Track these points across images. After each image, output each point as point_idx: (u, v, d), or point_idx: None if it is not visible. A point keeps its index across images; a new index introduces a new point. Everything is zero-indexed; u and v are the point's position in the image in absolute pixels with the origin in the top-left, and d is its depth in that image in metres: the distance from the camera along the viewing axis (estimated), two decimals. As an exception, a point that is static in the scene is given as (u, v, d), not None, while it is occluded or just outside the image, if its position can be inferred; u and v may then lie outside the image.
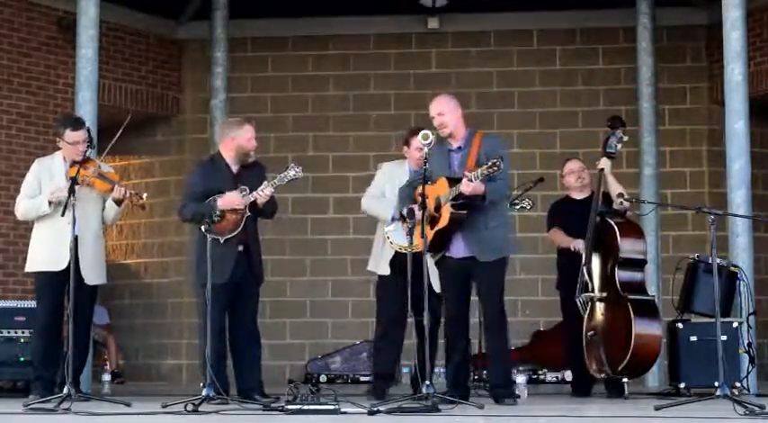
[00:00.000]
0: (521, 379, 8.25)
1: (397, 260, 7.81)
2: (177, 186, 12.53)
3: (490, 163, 6.75)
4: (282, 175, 7.47)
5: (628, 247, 8.09)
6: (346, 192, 11.78)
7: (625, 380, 7.95)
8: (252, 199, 7.42)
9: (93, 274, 7.69)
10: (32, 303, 8.24)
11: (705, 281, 8.24)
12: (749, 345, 8.33)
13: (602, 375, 8.11)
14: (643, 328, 7.91)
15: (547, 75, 12.31)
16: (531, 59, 12.34)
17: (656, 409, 6.34)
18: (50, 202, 7.64)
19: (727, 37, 8.95)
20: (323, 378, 11.38)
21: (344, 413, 6.17)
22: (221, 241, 7.33)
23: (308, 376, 11.44)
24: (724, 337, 7.24)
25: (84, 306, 7.53)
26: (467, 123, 7.33)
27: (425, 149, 6.93)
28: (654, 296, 8.46)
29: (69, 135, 7.71)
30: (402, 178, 7.64)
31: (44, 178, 7.80)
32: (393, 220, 7.80)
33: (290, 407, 6.31)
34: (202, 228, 7.17)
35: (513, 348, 10.90)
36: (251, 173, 7.58)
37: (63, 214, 7.26)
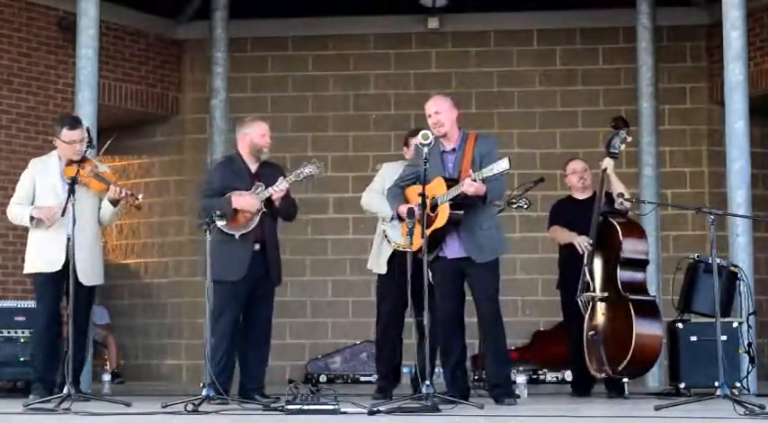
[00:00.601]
0: (521, 379, 8.25)
1: (395, 259, 7.82)
2: (177, 186, 12.54)
3: (500, 167, 6.74)
4: (299, 171, 7.43)
5: (630, 247, 8.09)
6: (346, 192, 11.77)
7: (625, 380, 7.95)
8: (267, 194, 7.37)
9: (90, 274, 7.66)
10: (32, 303, 8.22)
11: (705, 281, 8.25)
12: (749, 345, 8.33)
13: (603, 375, 8.11)
14: (644, 329, 7.91)
15: (547, 75, 12.30)
16: (531, 59, 12.34)
17: (656, 409, 6.34)
18: (32, 219, 7.63)
19: (727, 37, 8.95)
20: (323, 378, 11.39)
21: (344, 413, 6.17)
22: (236, 237, 7.32)
23: (307, 376, 11.45)
24: (724, 337, 7.24)
25: (82, 306, 7.48)
26: (460, 125, 7.34)
27: (425, 149, 6.92)
28: (655, 296, 8.46)
29: (66, 134, 7.67)
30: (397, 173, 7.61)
31: (39, 179, 7.76)
32: (393, 218, 7.80)
33: (290, 407, 6.31)
34: (204, 227, 7.16)
35: (513, 348, 10.96)
36: (269, 173, 7.53)
37: (63, 214, 7.24)
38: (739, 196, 8.80)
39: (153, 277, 12.65)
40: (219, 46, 11.99)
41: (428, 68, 12.45)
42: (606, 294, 8.10)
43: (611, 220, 8.16)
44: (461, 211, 7.03)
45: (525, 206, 8.64)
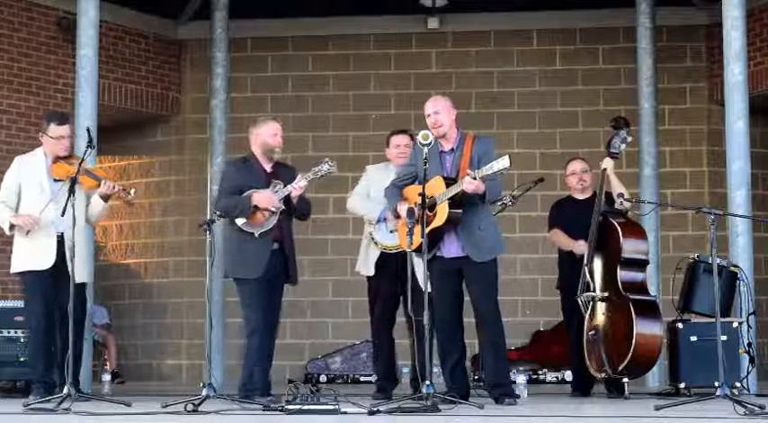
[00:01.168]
0: (521, 379, 8.24)
1: (383, 261, 7.85)
2: (177, 186, 12.54)
3: (500, 165, 6.74)
4: (317, 168, 7.40)
5: (630, 248, 8.08)
6: (346, 192, 11.71)
7: (625, 380, 7.95)
8: (286, 192, 7.34)
9: (79, 271, 7.45)
10: None
11: (705, 281, 8.24)
12: (749, 345, 8.32)
13: (603, 375, 8.11)
14: (644, 329, 7.90)
15: (547, 75, 12.31)
16: (531, 59, 12.34)
17: (656, 409, 6.34)
18: (12, 227, 7.56)
19: (727, 37, 8.95)
20: (323, 378, 11.39)
21: (344, 413, 6.17)
22: (256, 235, 7.30)
23: (307, 376, 11.45)
24: (724, 337, 7.24)
25: (76, 304, 7.33)
26: (458, 126, 7.34)
27: (425, 150, 6.92)
28: (655, 296, 8.46)
29: (53, 129, 7.60)
30: (387, 181, 7.62)
31: (25, 178, 7.66)
32: (379, 220, 7.82)
33: (290, 407, 6.31)
34: (204, 227, 7.16)
35: (513, 348, 10.97)
36: (283, 172, 7.51)
37: (63, 214, 7.17)
38: (739, 196, 8.80)
39: (153, 277, 12.65)
40: (219, 46, 11.99)
41: (428, 68, 12.45)
42: (606, 294, 8.09)
43: (612, 220, 8.16)
44: (460, 210, 7.03)
45: (510, 203, 8.59)
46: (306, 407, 6.30)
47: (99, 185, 7.58)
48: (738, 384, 7.98)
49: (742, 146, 8.85)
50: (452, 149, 7.23)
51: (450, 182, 7.04)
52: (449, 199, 7.00)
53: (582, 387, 8.49)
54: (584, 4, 12.00)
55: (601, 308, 8.12)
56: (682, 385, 8.15)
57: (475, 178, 6.85)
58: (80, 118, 9.10)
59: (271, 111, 12.44)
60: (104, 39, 11.06)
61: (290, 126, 12.40)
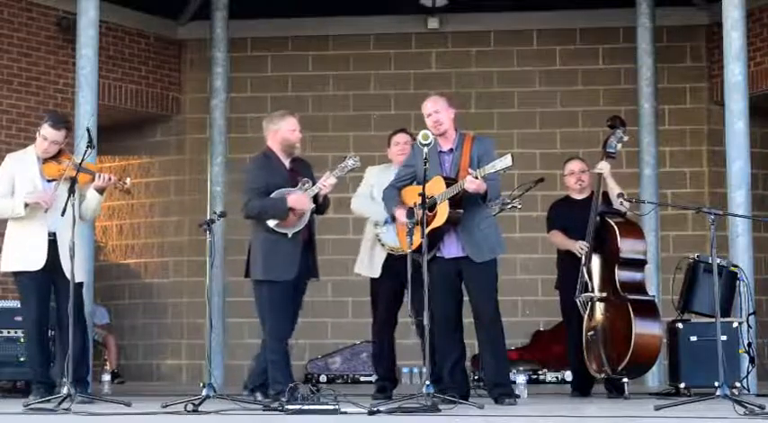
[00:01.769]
0: (521, 379, 8.24)
1: (387, 263, 7.83)
2: (177, 186, 12.54)
3: (503, 164, 6.75)
4: (342, 164, 7.35)
5: (628, 248, 8.08)
6: (346, 192, 11.74)
7: (625, 380, 7.95)
8: (315, 191, 7.28)
9: (76, 270, 7.31)
10: None
11: (705, 281, 8.25)
12: (749, 345, 8.32)
13: (602, 375, 8.12)
14: (643, 328, 7.91)
15: (547, 75, 12.31)
16: (531, 59, 12.34)
17: (656, 409, 6.34)
18: (26, 205, 7.43)
19: (727, 37, 8.95)
20: (323, 378, 11.40)
21: (344, 413, 6.17)
22: (289, 236, 7.24)
23: (307, 376, 11.45)
24: (724, 337, 7.24)
25: (72, 304, 7.26)
26: (456, 126, 7.34)
27: (425, 150, 6.91)
28: (654, 296, 8.46)
29: (45, 129, 7.50)
30: (389, 182, 7.59)
31: (18, 174, 7.56)
32: (386, 222, 7.80)
33: (290, 407, 6.31)
34: (204, 227, 7.14)
35: (513, 348, 10.97)
36: (301, 168, 7.45)
37: (63, 214, 7.12)
38: (739, 196, 8.80)
39: (153, 277, 12.65)
40: (219, 46, 12.00)
41: (428, 68, 12.46)
42: (605, 294, 8.09)
43: (609, 220, 8.16)
44: (461, 210, 7.03)
45: (519, 206, 8.60)
46: (306, 407, 6.30)
47: (93, 179, 7.50)
48: (738, 384, 7.98)
49: (742, 146, 8.85)
50: (451, 149, 7.23)
51: (450, 182, 7.03)
52: (449, 199, 7.00)
53: (582, 387, 8.49)
54: (584, 4, 12.00)
55: (600, 308, 8.12)
56: (682, 385, 8.15)
57: (477, 177, 6.85)
58: (80, 118, 9.11)
59: (271, 111, 12.40)
60: (104, 39, 11.06)
61: (289, 126, 12.43)
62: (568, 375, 9.92)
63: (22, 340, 8.66)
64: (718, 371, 6.62)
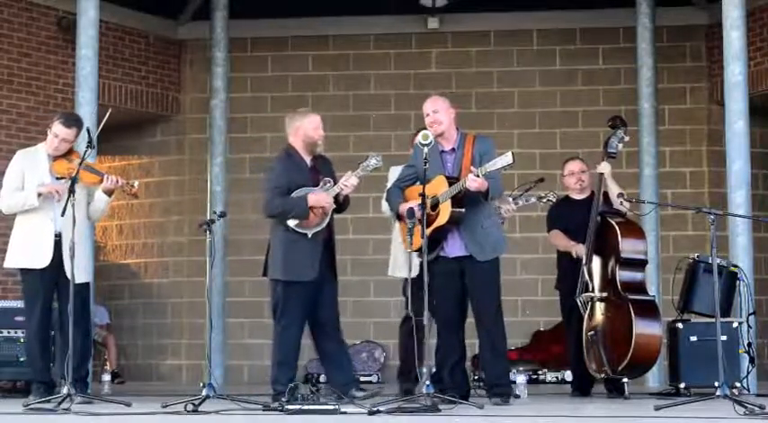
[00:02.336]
0: (521, 379, 8.23)
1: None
2: (177, 186, 12.54)
3: (504, 161, 6.75)
4: (365, 164, 7.29)
5: (629, 248, 8.08)
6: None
7: (625, 380, 7.95)
8: (337, 191, 7.23)
9: (79, 271, 7.35)
10: None
11: (705, 281, 8.25)
12: (749, 345, 8.33)
13: (602, 375, 8.12)
14: (644, 328, 7.91)
15: (547, 75, 12.30)
16: (531, 59, 12.34)
17: (656, 409, 6.34)
18: (39, 195, 7.42)
19: (727, 37, 8.95)
20: (323, 378, 11.37)
21: (344, 413, 6.17)
22: (309, 236, 7.19)
23: (307, 376, 11.44)
24: (724, 337, 7.25)
25: (76, 304, 7.24)
26: (458, 126, 7.34)
27: (425, 149, 6.93)
28: (654, 296, 8.46)
29: (57, 126, 7.51)
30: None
31: (28, 170, 7.58)
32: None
33: (290, 407, 6.31)
34: (204, 227, 7.13)
35: (513, 348, 10.96)
36: (323, 166, 7.39)
37: (63, 214, 7.13)
38: (739, 196, 8.80)
39: (153, 277, 12.65)
40: (219, 46, 12.00)
41: (428, 68, 12.45)
42: (605, 294, 8.09)
43: (610, 220, 8.16)
44: (463, 209, 7.03)
45: (554, 199, 8.54)
46: (306, 407, 6.30)
47: (101, 181, 7.50)
48: (738, 384, 7.98)
49: (742, 146, 8.85)
50: (453, 149, 7.23)
51: (452, 181, 7.04)
52: (451, 198, 7.00)
53: (582, 387, 8.49)
54: (584, 4, 11.99)
55: (600, 308, 8.12)
56: (682, 385, 8.15)
57: (478, 176, 6.85)
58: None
59: (271, 111, 12.45)
60: (104, 39, 11.06)
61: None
62: (568, 375, 9.92)
63: (22, 340, 8.66)
64: (718, 371, 6.63)
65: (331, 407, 6.26)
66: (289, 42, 12.60)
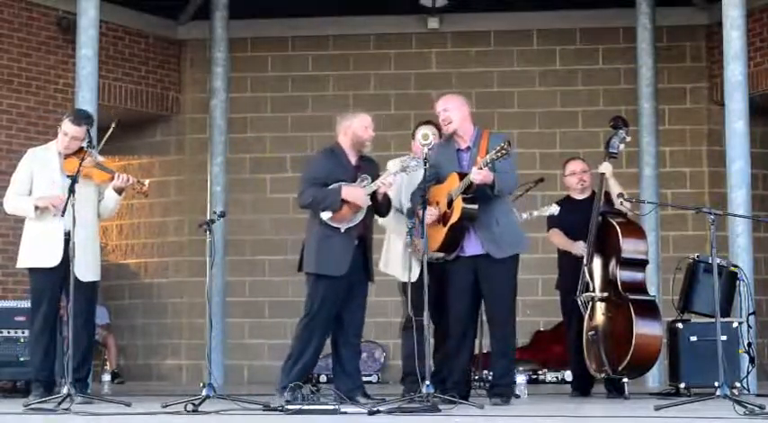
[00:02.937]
0: (521, 379, 8.23)
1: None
2: (177, 186, 12.55)
3: (498, 147, 6.75)
4: (405, 164, 7.20)
5: (630, 248, 8.08)
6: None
7: (625, 380, 7.95)
8: (374, 188, 7.19)
9: (87, 270, 7.45)
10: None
11: (705, 281, 8.25)
12: (749, 345, 8.33)
13: (603, 375, 8.12)
14: (644, 328, 7.91)
15: (547, 75, 12.31)
16: (531, 59, 12.34)
17: (656, 409, 6.34)
18: (37, 208, 7.43)
19: (727, 37, 8.95)
20: (323, 378, 11.38)
21: (344, 413, 6.17)
22: (342, 231, 7.17)
23: (308, 376, 11.43)
24: (724, 337, 7.24)
25: (83, 305, 7.35)
26: (474, 123, 7.32)
27: (425, 149, 6.94)
28: (654, 296, 8.46)
29: (66, 124, 7.52)
30: (416, 175, 7.43)
31: (36, 170, 7.58)
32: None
33: (290, 407, 6.31)
34: (204, 227, 7.13)
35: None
36: (368, 166, 7.37)
37: (63, 214, 7.14)
38: (739, 196, 8.81)
39: (153, 277, 12.65)
40: (219, 46, 12.00)
41: (428, 68, 12.45)
42: (606, 294, 8.10)
43: (611, 220, 8.17)
44: (475, 206, 6.99)
45: (556, 212, 8.52)
46: (306, 407, 6.30)
47: (112, 178, 7.49)
48: (738, 384, 7.98)
49: (742, 146, 8.85)
50: (468, 147, 7.21)
51: (464, 177, 7.01)
52: (462, 194, 6.97)
53: (582, 387, 8.49)
54: (584, 4, 11.99)
55: (600, 308, 8.12)
56: (682, 385, 8.15)
57: (481, 167, 6.83)
58: (80, 118, 9.09)
59: (271, 111, 12.46)
60: (104, 39, 11.06)
61: (289, 126, 12.45)
62: (568, 375, 9.91)
63: (22, 340, 8.66)
64: (718, 371, 6.63)
65: (331, 407, 6.26)
66: (289, 42, 12.60)
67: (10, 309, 8.83)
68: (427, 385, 6.46)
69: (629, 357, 7.83)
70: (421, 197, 6.94)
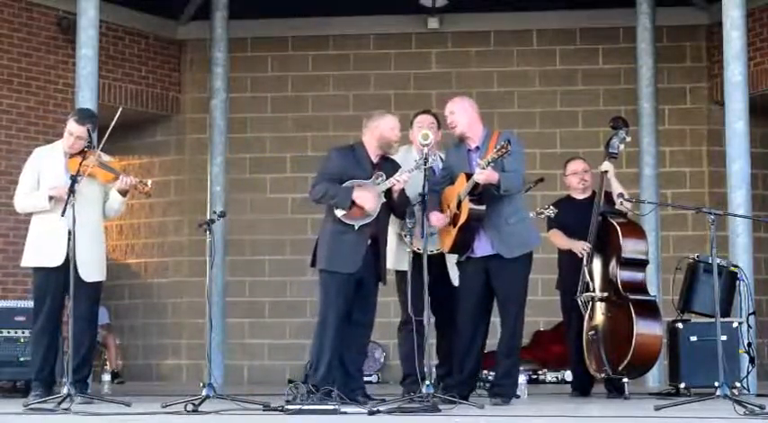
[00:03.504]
0: (521, 379, 8.22)
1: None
2: (177, 186, 12.55)
3: (498, 146, 6.75)
4: (419, 161, 7.12)
5: (630, 247, 8.08)
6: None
7: (625, 380, 7.95)
8: (388, 185, 7.16)
9: (91, 270, 7.46)
10: (32, 303, 7.93)
11: (705, 281, 8.25)
12: (749, 345, 8.33)
13: (603, 375, 8.11)
14: (645, 329, 7.91)
15: (547, 75, 12.31)
16: (531, 59, 12.34)
17: (656, 409, 6.34)
18: (51, 198, 7.42)
19: (727, 37, 8.95)
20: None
21: (344, 413, 6.17)
22: (356, 228, 7.14)
23: (308, 376, 11.43)
24: (724, 337, 7.24)
25: (84, 303, 7.35)
26: (484, 124, 7.32)
27: (425, 149, 6.95)
28: (655, 296, 8.46)
29: (71, 124, 7.52)
30: (410, 164, 7.36)
31: (42, 169, 7.58)
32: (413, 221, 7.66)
33: (290, 407, 6.31)
34: (204, 227, 7.13)
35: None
36: (387, 166, 7.31)
37: (63, 214, 7.14)
38: (739, 196, 8.80)
39: (153, 277, 12.65)
40: (219, 46, 12.00)
41: (428, 68, 12.45)
42: (606, 294, 8.10)
43: (611, 220, 8.17)
44: (482, 207, 6.99)
45: (552, 215, 8.53)
46: (306, 407, 6.30)
47: (116, 178, 7.49)
48: (738, 384, 7.98)
49: (742, 146, 8.85)
50: (477, 148, 7.21)
51: (471, 177, 7.01)
52: (471, 196, 6.97)
53: (582, 387, 8.49)
54: (584, 4, 12.00)
55: (600, 308, 8.12)
56: (682, 385, 8.15)
57: (484, 167, 6.83)
58: (80, 118, 9.09)
59: (271, 111, 12.46)
60: (104, 39, 11.06)
61: (290, 126, 12.44)
62: (568, 375, 9.92)
63: (22, 340, 8.66)
64: (718, 371, 6.63)
65: (331, 407, 6.26)
66: (289, 42, 12.60)
67: (10, 309, 8.83)
68: (427, 385, 6.45)
69: (629, 357, 7.83)
70: (421, 197, 6.94)
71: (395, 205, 7.27)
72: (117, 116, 7.47)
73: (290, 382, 9.47)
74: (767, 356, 11.25)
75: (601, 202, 8.22)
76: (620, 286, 8.03)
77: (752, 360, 8.34)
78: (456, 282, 7.42)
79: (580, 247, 8.24)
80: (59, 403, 6.63)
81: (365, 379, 11.08)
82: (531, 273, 7.13)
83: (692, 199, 11.48)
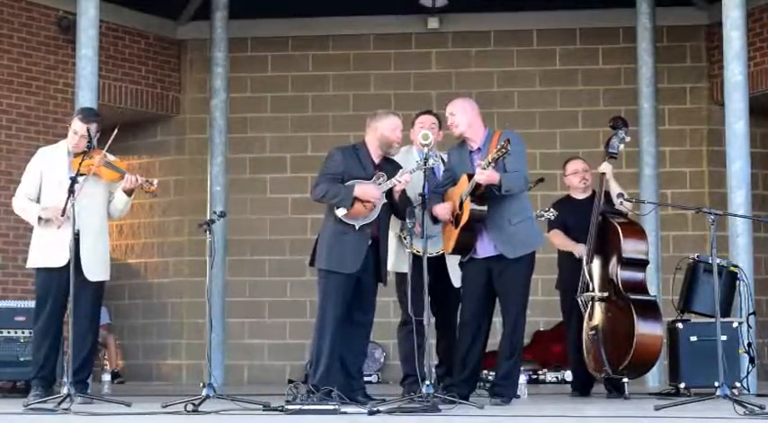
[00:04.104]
0: (521, 379, 8.22)
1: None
2: (177, 186, 12.55)
3: (498, 146, 6.74)
4: (421, 161, 7.13)
5: (630, 248, 8.08)
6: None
7: (625, 380, 7.95)
8: (389, 185, 7.15)
9: (95, 269, 7.44)
10: (32, 303, 7.95)
11: (705, 281, 8.24)
12: (749, 345, 8.32)
13: (603, 375, 8.11)
14: (645, 329, 7.90)
15: (547, 75, 12.31)
16: (531, 59, 12.34)
17: (656, 409, 6.34)
18: (40, 219, 7.42)
19: (727, 37, 8.95)
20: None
21: (344, 413, 6.17)
22: (356, 228, 7.12)
23: (308, 376, 11.44)
24: (724, 337, 7.24)
25: (87, 303, 7.35)
26: (485, 124, 7.32)
27: (425, 149, 6.95)
28: (655, 296, 8.46)
29: (75, 123, 7.50)
30: (410, 164, 7.40)
31: (46, 169, 7.55)
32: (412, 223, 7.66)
33: (290, 407, 6.31)
34: (204, 227, 7.13)
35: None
36: (390, 168, 7.30)
37: (63, 214, 7.14)
38: (739, 196, 8.80)
39: (153, 277, 12.65)
40: (219, 46, 12.00)
41: (428, 68, 12.46)
42: (606, 294, 8.09)
43: (611, 220, 8.16)
44: (483, 207, 6.98)
45: (552, 217, 8.52)
46: (306, 407, 6.30)
47: (121, 178, 7.47)
48: (738, 384, 7.98)
49: (742, 146, 8.85)
50: (479, 149, 7.21)
51: (472, 178, 7.00)
52: (473, 197, 6.97)
53: (582, 387, 8.49)
54: (584, 4, 12.00)
55: (601, 308, 8.12)
56: (682, 385, 8.14)
57: (484, 168, 6.83)
58: (80, 118, 9.09)
59: (271, 111, 12.46)
60: (104, 39, 11.06)
61: (289, 126, 12.45)
62: (568, 375, 9.92)
63: (22, 340, 8.66)
64: (718, 371, 6.63)
65: (331, 407, 6.26)
66: (289, 42, 12.60)
67: (10, 309, 8.83)
68: (427, 385, 6.45)
69: (629, 357, 7.83)
70: (421, 197, 6.95)
71: (396, 206, 7.26)
72: (113, 135, 7.41)
73: (290, 382, 9.49)
74: (767, 356, 11.26)
75: (601, 203, 8.22)
76: (620, 286, 8.03)
77: (752, 360, 8.33)
78: (457, 283, 7.42)
79: (579, 251, 8.25)
80: (59, 403, 6.63)
81: (365, 379, 11.17)
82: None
83: (692, 199, 11.49)
